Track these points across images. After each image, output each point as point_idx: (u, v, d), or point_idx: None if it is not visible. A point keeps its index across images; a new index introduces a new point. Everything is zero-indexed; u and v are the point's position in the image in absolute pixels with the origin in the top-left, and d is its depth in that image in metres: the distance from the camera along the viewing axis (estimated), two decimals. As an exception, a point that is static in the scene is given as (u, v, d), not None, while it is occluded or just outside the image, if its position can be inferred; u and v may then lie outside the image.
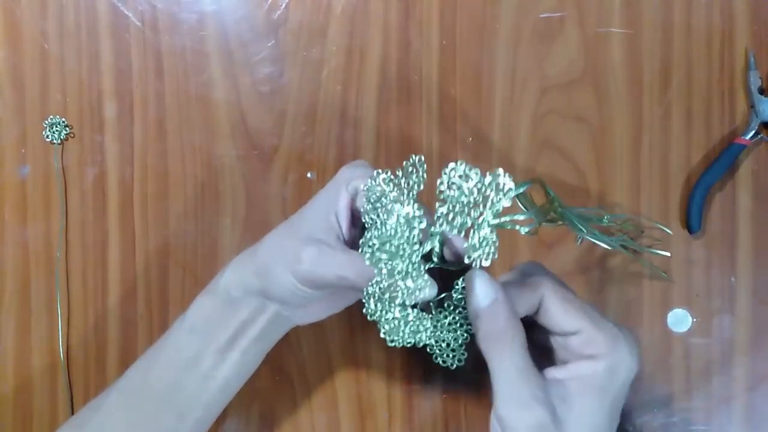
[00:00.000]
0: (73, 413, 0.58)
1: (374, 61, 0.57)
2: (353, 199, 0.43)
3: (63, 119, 0.58)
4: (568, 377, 0.36)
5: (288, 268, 0.41)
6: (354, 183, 0.42)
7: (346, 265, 0.40)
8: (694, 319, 0.56)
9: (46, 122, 0.58)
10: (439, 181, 0.36)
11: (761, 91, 0.56)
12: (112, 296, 0.58)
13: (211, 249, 0.58)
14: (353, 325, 0.57)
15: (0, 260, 0.58)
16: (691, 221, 0.56)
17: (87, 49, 0.58)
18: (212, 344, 0.45)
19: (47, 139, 0.58)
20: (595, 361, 0.36)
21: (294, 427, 0.58)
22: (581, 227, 0.40)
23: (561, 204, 0.39)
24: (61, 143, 0.58)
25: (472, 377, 0.56)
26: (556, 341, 0.38)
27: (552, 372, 0.37)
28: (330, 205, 0.43)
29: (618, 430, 0.57)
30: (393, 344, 0.38)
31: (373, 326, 0.58)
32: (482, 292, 0.36)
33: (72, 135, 0.58)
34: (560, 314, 0.37)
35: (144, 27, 0.58)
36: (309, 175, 0.58)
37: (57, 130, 0.58)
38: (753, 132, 0.56)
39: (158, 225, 0.58)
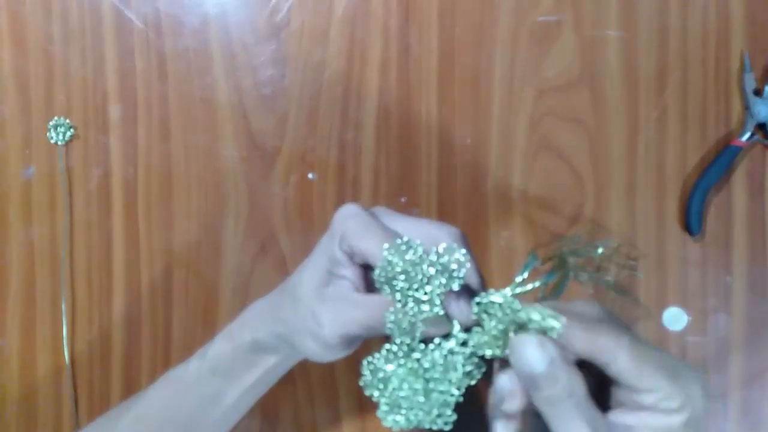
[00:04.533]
0: (77, 413, 0.58)
1: (375, 64, 0.58)
2: (350, 254, 0.39)
3: (67, 120, 0.58)
4: (641, 426, 0.33)
5: (313, 338, 0.39)
6: (349, 242, 0.38)
7: (368, 313, 0.38)
8: (690, 318, 0.57)
9: (51, 123, 0.58)
10: (474, 310, 0.34)
11: (756, 93, 0.57)
12: (116, 296, 0.58)
13: (215, 249, 0.58)
14: (354, 324, 0.58)
15: (5, 261, 0.58)
16: (691, 224, 0.56)
17: (91, 51, 0.58)
18: (239, 384, 0.45)
19: (52, 141, 0.58)
20: (672, 416, 0.33)
21: (296, 424, 0.58)
22: (587, 279, 0.39)
23: (567, 263, 0.37)
24: (66, 144, 0.58)
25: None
26: (623, 391, 0.34)
27: (621, 416, 0.34)
28: (330, 261, 0.40)
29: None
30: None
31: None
32: (535, 356, 0.33)
33: (76, 136, 0.58)
34: (634, 376, 0.33)
35: (147, 29, 0.58)
36: (310, 175, 0.58)
37: (61, 131, 0.58)
38: (749, 134, 0.57)
39: (162, 225, 0.58)
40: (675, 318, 0.57)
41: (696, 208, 0.56)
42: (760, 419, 0.57)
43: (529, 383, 0.33)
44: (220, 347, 0.45)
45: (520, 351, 0.34)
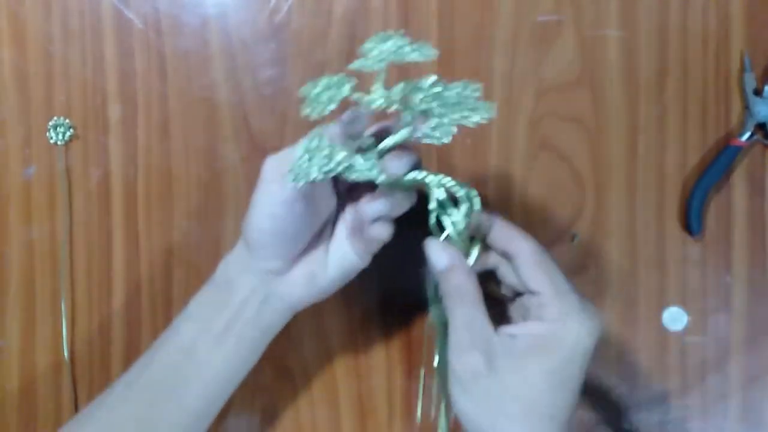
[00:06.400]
0: (77, 412, 0.58)
1: (374, 64, 0.58)
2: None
3: (67, 120, 0.58)
4: (519, 334, 0.40)
5: (258, 205, 0.44)
6: (291, 181, 0.41)
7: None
8: (690, 318, 0.57)
9: (51, 123, 0.58)
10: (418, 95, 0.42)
11: (756, 93, 0.57)
12: (116, 296, 0.59)
13: (215, 249, 0.58)
14: (354, 322, 0.58)
15: (5, 260, 0.59)
16: (691, 224, 0.56)
17: (91, 51, 0.58)
18: (208, 330, 0.46)
19: (51, 141, 0.58)
20: (544, 324, 0.40)
21: (295, 423, 0.58)
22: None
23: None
24: (66, 144, 0.58)
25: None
26: (519, 300, 0.43)
27: (507, 328, 0.41)
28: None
29: (614, 428, 0.57)
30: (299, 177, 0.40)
31: (375, 322, 0.59)
32: (438, 258, 0.42)
33: (76, 136, 0.59)
34: (527, 274, 0.41)
35: (147, 29, 0.58)
36: (310, 175, 0.58)
37: (61, 132, 0.58)
38: (749, 134, 0.57)
39: (162, 225, 0.58)
40: (675, 318, 0.57)
41: (696, 208, 0.56)
42: (760, 419, 0.57)
43: (437, 277, 0.42)
44: (199, 291, 0.48)
45: (429, 251, 0.42)
